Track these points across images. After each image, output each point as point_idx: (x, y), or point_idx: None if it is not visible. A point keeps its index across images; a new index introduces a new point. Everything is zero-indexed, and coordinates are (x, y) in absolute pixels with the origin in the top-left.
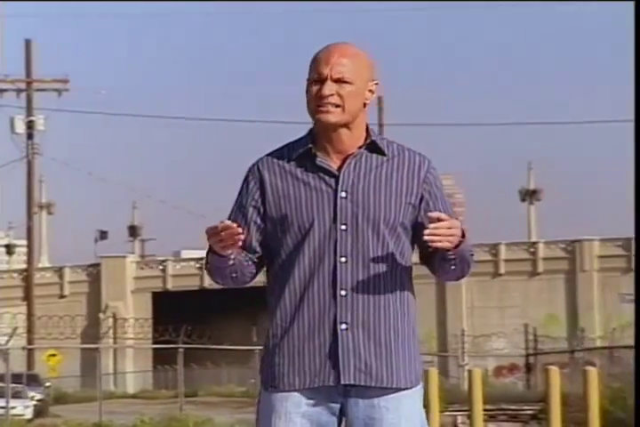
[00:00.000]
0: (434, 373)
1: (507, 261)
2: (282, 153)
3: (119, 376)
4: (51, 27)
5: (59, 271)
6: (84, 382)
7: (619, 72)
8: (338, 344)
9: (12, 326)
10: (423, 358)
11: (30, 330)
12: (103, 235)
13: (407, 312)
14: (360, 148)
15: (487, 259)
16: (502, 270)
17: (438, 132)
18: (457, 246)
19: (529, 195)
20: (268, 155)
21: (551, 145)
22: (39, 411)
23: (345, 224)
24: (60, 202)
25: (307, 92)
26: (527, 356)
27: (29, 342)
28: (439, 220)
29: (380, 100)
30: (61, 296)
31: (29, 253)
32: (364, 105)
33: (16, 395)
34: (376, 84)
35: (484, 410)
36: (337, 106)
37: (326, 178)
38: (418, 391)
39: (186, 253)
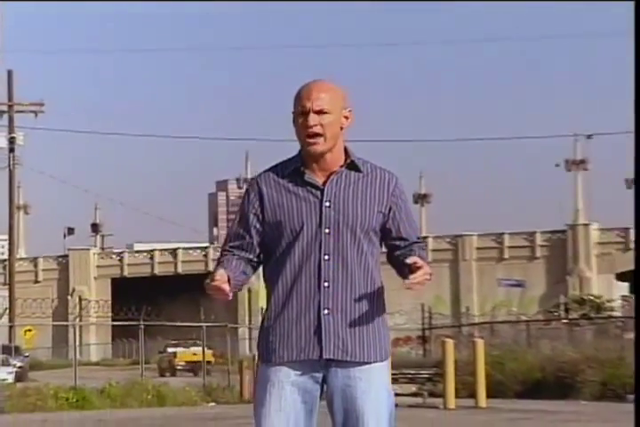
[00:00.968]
0: None
1: None
2: (276, 170)
3: (84, 348)
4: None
5: (34, 261)
6: (55, 352)
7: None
8: (321, 326)
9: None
10: None
11: (11, 310)
12: (70, 231)
13: (377, 299)
14: (341, 166)
15: None
16: None
17: None
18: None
19: (420, 198)
20: (265, 171)
21: (440, 158)
22: (19, 376)
23: (328, 228)
24: (35, 204)
25: (294, 122)
26: (423, 329)
27: (10, 320)
28: (415, 265)
29: None
30: (36, 282)
31: (11, 246)
32: (341, 128)
33: (1, 363)
34: (349, 111)
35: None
36: (320, 135)
37: (313, 191)
38: (385, 364)
39: (138, 246)
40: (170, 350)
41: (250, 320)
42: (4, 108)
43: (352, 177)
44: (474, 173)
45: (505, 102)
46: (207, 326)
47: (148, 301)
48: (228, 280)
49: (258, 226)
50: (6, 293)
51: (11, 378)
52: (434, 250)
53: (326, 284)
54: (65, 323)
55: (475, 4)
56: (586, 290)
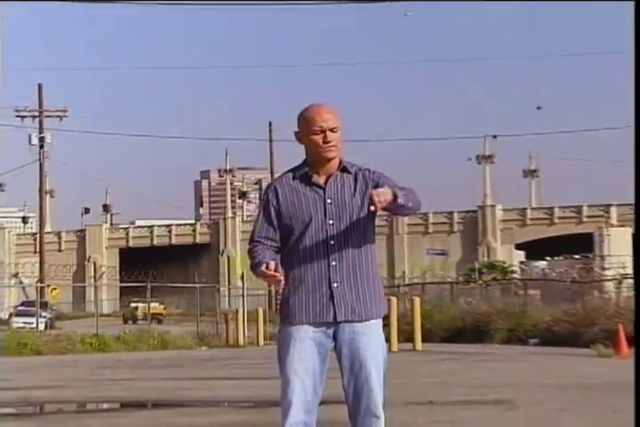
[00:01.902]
0: None
1: None
2: (288, 175)
3: (98, 302)
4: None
5: (58, 234)
6: (74, 307)
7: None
8: (333, 296)
9: (32, 272)
10: None
11: (41, 273)
12: (87, 210)
13: (373, 271)
14: (337, 170)
15: None
16: None
17: None
18: (392, 204)
19: None
20: (280, 176)
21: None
22: (49, 325)
23: (332, 220)
24: (59, 189)
25: (302, 139)
26: None
27: (40, 281)
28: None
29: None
30: (59, 251)
31: (40, 223)
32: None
33: (34, 314)
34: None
35: None
36: (335, 146)
37: (317, 190)
38: (381, 320)
39: (139, 222)
40: (132, 304)
41: (229, 282)
42: (36, 113)
43: (344, 178)
44: (406, 168)
45: (433, 108)
46: (200, 287)
47: (148, 266)
48: (275, 268)
49: (277, 220)
50: (37, 259)
51: (42, 326)
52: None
53: (334, 263)
54: (82, 284)
55: None
56: (492, 257)
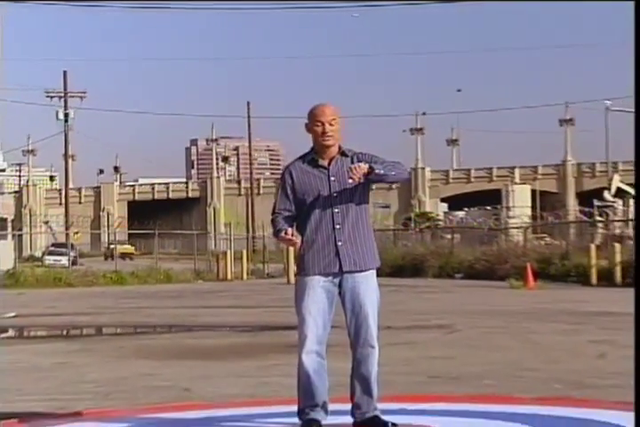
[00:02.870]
0: None
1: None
2: (300, 160)
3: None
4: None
5: (78, 190)
6: (92, 248)
7: None
8: (338, 252)
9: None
10: None
11: (67, 221)
12: (101, 171)
13: (369, 231)
14: (337, 154)
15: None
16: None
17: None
18: (370, 175)
19: None
20: (293, 162)
21: None
22: (73, 262)
23: (335, 193)
24: (79, 154)
25: (309, 130)
26: None
27: (67, 228)
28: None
29: None
30: (80, 203)
31: (66, 180)
32: (340, 134)
33: (61, 254)
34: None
35: None
36: (331, 136)
37: (323, 170)
38: (375, 271)
39: (142, 180)
40: (111, 246)
41: (215, 228)
42: (61, 94)
43: (344, 160)
44: (360, 137)
45: (378, 92)
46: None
47: (150, 216)
48: (292, 234)
49: (293, 196)
50: (62, 210)
51: (68, 264)
52: None
53: (338, 226)
54: (97, 231)
55: None
56: (423, 209)
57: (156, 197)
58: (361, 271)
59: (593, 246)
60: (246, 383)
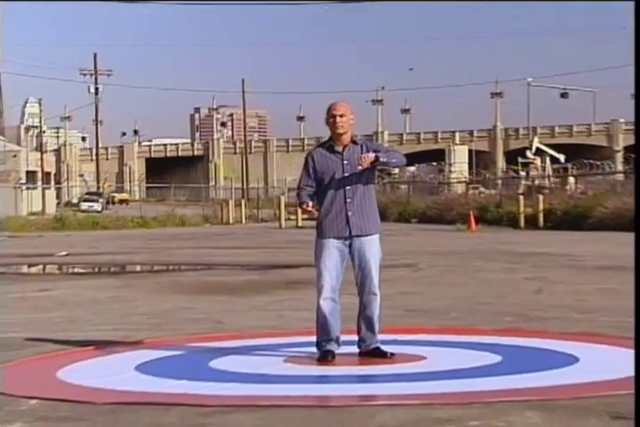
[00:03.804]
0: None
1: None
2: (320, 146)
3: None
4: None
5: (106, 149)
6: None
7: None
8: (349, 221)
9: (90, 174)
10: None
11: (98, 175)
12: (124, 134)
13: (374, 203)
14: (349, 142)
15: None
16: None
17: None
18: (376, 162)
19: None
20: (315, 147)
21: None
22: (104, 207)
23: (347, 173)
24: (106, 120)
25: (327, 122)
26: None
27: (98, 181)
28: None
29: None
30: (107, 159)
31: (96, 141)
32: (350, 125)
33: (94, 200)
34: (352, 116)
35: None
36: (342, 126)
37: (338, 155)
38: (377, 235)
39: (155, 141)
40: (112, 194)
41: (215, 182)
42: (92, 72)
43: (354, 147)
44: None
45: (351, 70)
46: (204, 187)
47: (163, 170)
48: (313, 206)
49: (314, 175)
50: (93, 165)
51: (99, 208)
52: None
53: (349, 200)
54: (122, 185)
55: None
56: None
57: (167, 154)
58: (366, 235)
59: (521, 198)
60: (265, 316)
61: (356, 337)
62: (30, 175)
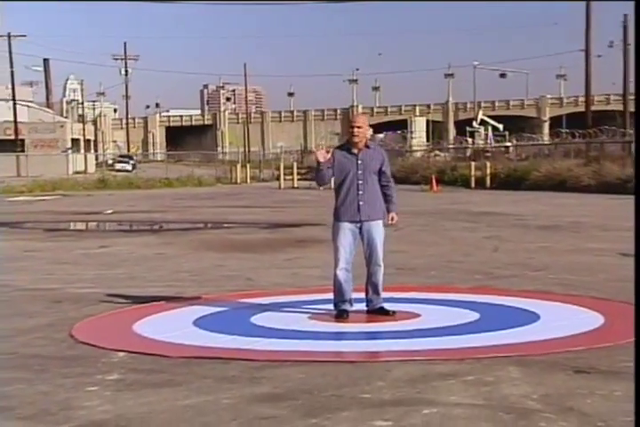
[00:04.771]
0: None
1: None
2: (340, 148)
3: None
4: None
5: (133, 119)
6: (142, 158)
7: None
8: (360, 209)
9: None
10: None
11: (128, 141)
12: (147, 106)
13: (379, 196)
14: (364, 146)
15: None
16: (252, 121)
17: None
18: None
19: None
20: (336, 147)
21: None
22: (133, 167)
23: (361, 171)
24: (134, 96)
25: (347, 130)
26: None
27: (128, 147)
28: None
29: None
30: (134, 127)
31: (126, 112)
32: (365, 135)
33: (126, 162)
34: (370, 126)
35: None
36: (357, 135)
37: (353, 156)
38: (381, 220)
39: (173, 112)
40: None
41: (222, 146)
42: (122, 57)
43: (368, 151)
44: (322, 88)
45: (338, 54)
46: (216, 153)
47: (179, 137)
48: (329, 162)
49: (332, 168)
50: (124, 132)
51: (130, 168)
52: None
53: (361, 192)
54: (148, 152)
55: None
56: None
57: (183, 124)
58: (373, 220)
59: (472, 164)
60: (284, 274)
61: (364, 295)
62: (74, 142)
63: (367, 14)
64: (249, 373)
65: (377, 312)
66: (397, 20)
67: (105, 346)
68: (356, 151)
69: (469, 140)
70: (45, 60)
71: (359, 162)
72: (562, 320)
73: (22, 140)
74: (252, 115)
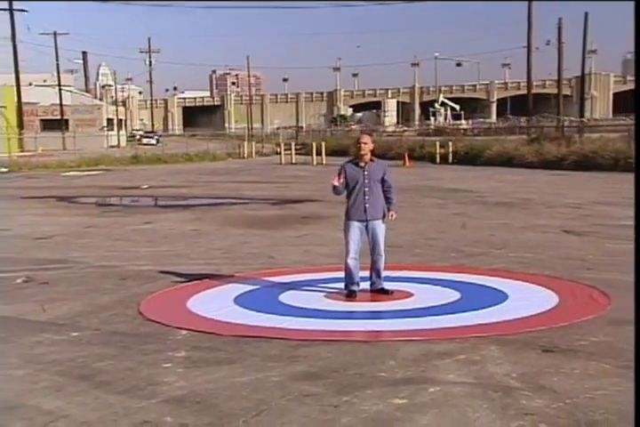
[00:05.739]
0: None
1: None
2: (349, 162)
3: (172, 130)
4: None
5: (156, 101)
6: (163, 133)
7: None
8: (366, 210)
9: (147, 118)
10: None
11: (152, 120)
12: (167, 90)
13: (382, 199)
14: (369, 161)
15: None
16: (254, 102)
17: None
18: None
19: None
20: (346, 162)
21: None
22: (157, 141)
23: (367, 180)
24: (156, 81)
25: (355, 145)
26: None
27: (152, 124)
28: (391, 215)
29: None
30: (156, 108)
31: (151, 94)
32: (370, 149)
33: (150, 137)
34: (374, 144)
35: None
36: (364, 149)
37: (361, 169)
38: (382, 219)
39: (187, 93)
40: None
41: (229, 124)
42: (147, 50)
43: (372, 164)
44: (311, 76)
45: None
46: (224, 132)
47: (193, 116)
48: (341, 184)
49: (344, 180)
50: (148, 112)
51: (154, 143)
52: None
53: (367, 197)
54: (166, 133)
55: None
56: (339, 112)
57: (196, 104)
58: (376, 219)
59: (438, 143)
60: (297, 251)
61: (368, 275)
62: (109, 121)
63: (351, 15)
64: (287, 352)
65: (379, 292)
66: (376, 20)
67: (169, 324)
68: (363, 164)
69: (432, 119)
70: (84, 53)
71: (365, 173)
72: (525, 300)
73: (67, 120)
74: (254, 97)
